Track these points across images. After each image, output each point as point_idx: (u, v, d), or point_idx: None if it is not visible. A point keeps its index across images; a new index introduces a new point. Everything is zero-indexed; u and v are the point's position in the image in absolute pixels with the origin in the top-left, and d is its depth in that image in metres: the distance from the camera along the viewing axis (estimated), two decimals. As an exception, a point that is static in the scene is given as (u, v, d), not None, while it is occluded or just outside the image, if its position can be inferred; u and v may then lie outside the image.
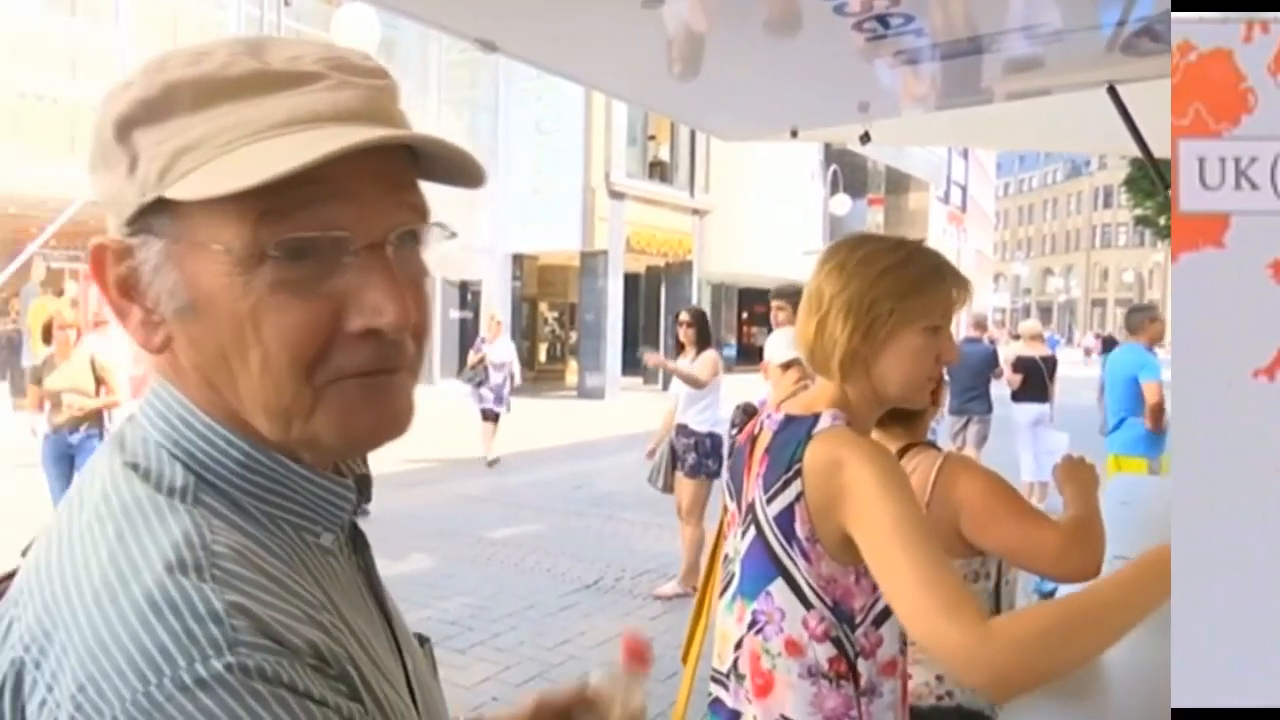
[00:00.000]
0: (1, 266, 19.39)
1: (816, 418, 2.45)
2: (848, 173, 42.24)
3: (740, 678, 2.55)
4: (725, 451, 8.76)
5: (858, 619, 2.46)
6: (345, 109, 1.03)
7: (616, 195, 33.18)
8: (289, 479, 1.08)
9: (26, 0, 19.91)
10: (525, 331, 36.88)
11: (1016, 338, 16.39)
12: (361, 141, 0.96)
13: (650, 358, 9.80)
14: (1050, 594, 4.95)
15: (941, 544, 2.25)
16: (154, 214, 1.02)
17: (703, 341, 9.82)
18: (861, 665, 2.46)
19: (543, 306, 40.93)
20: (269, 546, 1.02)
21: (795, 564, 2.43)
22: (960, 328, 19.27)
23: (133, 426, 1.10)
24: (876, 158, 50.31)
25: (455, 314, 32.01)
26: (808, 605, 2.44)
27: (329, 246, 1.00)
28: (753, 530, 2.52)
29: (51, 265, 20.49)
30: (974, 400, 13.95)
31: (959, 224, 70.90)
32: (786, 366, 5.23)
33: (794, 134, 5.01)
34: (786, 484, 2.42)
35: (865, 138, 4.94)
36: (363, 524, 1.27)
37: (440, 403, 23.59)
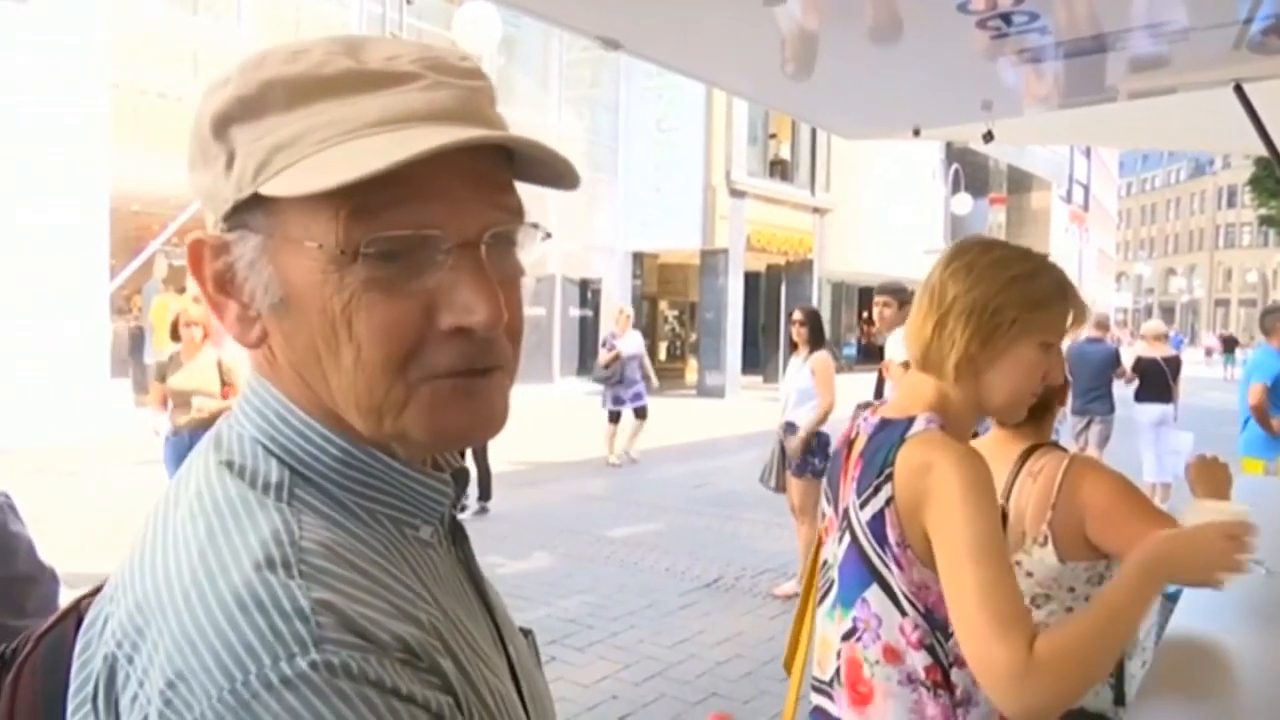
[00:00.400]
0: (124, 264, 19.74)
1: (911, 421, 2.45)
2: (969, 172, 41.79)
3: (843, 686, 2.55)
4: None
5: (950, 628, 2.38)
6: (440, 109, 1.03)
7: (737, 194, 33.08)
8: (386, 474, 1.09)
9: (149, -1, 20.29)
10: (645, 330, 36.86)
11: (1143, 338, 16.16)
12: (453, 141, 0.97)
13: (789, 447, 9.59)
14: (1170, 596, 4.87)
15: (1008, 559, 2.26)
16: (250, 210, 1.04)
17: (815, 341, 9.71)
18: (956, 675, 2.44)
19: (663, 305, 40.95)
20: (365, 540, 1.04)
21: (889, 570, 2.43)
22: (1084, 327, 19.04)
23: (229, 424, 1.12)
24: (998, 157, 49.75)
25: (575, 312, 32.15)
26: (903, 612, 2.44)
27: (421, 245, 1.01)
28: (848, 536, 2.53)
29: (173, 262, 20.67)
30: (1096, 400, 13.74)
31: (1081, 223, 69.89)
32: (909, 364, 5.16)
33: (916, 133, 4.97)
34: (878, 488, 2.42)
35: (988, 136, 4.89)
36: (482, 521, 1.28)
37: (560, 400, 23.71)
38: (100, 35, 17.97)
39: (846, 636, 2.53)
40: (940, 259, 2.61)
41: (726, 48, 3.90)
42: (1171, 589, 4.96)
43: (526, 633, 1.38)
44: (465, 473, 1.26)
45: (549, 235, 1.17)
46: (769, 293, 38.49)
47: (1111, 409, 13.95)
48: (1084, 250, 70.11)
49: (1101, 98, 4.34)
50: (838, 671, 2.57)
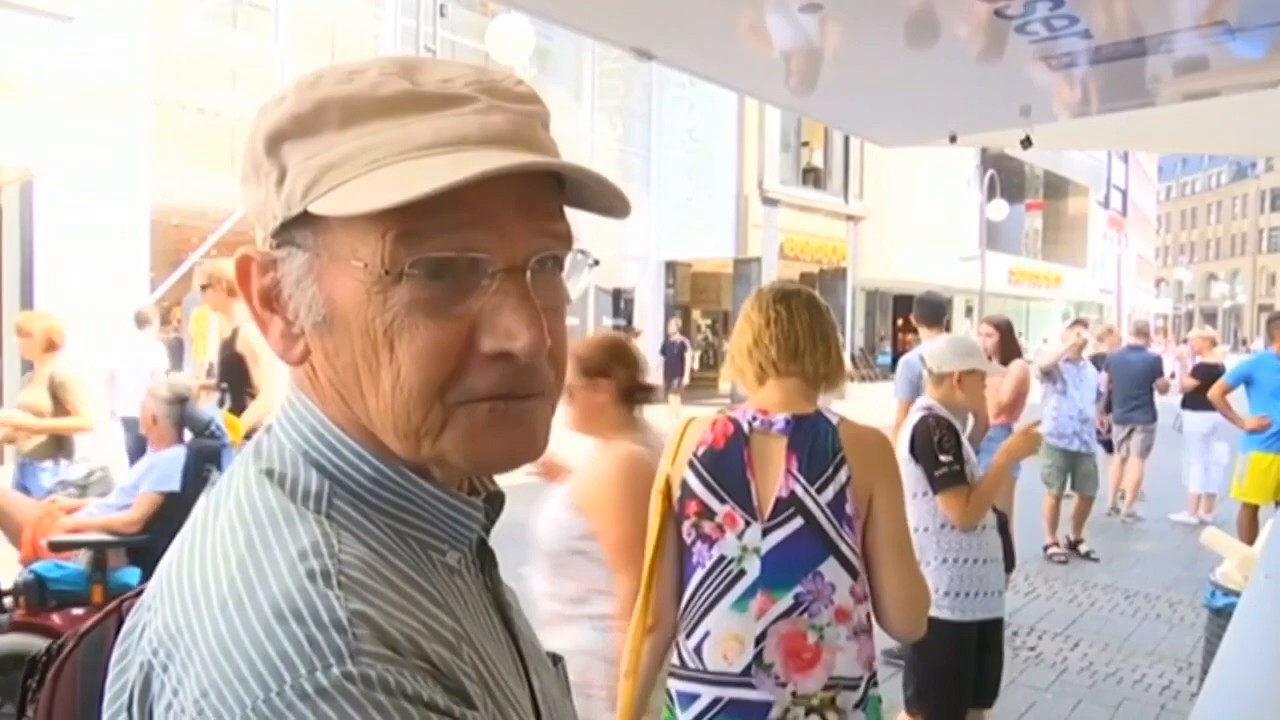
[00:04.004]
0: (164, 276, 19.88)
1: (819, 414, 3.05)
2: (1004, 177, 41.63)
3: (767, 666, 2.87)
4: None
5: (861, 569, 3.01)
6: (493, 133, 1.03)
7: (770, 202, 33.12)
8: (417, 496, 1.09)
9: (189, 15, 20.43)
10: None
11: (1184, 342, 16.11)
12: (503, 167, 0.97)
13: None
14: (1220, 610, 4.83)
15: None
16: (298, 228, 1.04)
17: None
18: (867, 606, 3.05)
19: (696, 314, 40.99)
20: (400, 557, 1.04)
21: (845, 540, 2.92)
22: (1122, 334, 18.90)
23: (269, 435, 1.12)
24: (1034, 162, 49.63)
25: (609, 322, 32.16)
26: (854, 575, 2.94)
27: (467, 268, 1.01)
28: (796, 520, 2.92)
29: (212, 275, 20.99)
30: (1138, 409, 13.56)
31: (1120, 229, 69.63)
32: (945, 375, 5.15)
33: (953, 139, 4.93)
34: (835, 471, 2.92)
35: (1026, 142, 4.82)
36: (511, 534, 1.26)
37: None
38: (143, 52, 18.11)
39: (785, 615, 2.88)
40: (779, 297, 3.31)
41: (760, 56, 3.88)
42: (1221, 603, 4.93)
43: (556, 660, 1.38)
44: (500, 496, 1.25)
45: (596, 262, 1.17)
46: (803, 301, 38.47)
47: (1154, 417, 13.77)
48: (1123, 256, 69.81)
49: (1142, 102, 4.29)
50: (758, 654, 2.88)
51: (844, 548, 2.91)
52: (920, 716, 4.93)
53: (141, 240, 18.46)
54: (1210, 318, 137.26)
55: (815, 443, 2.96)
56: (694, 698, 2.94)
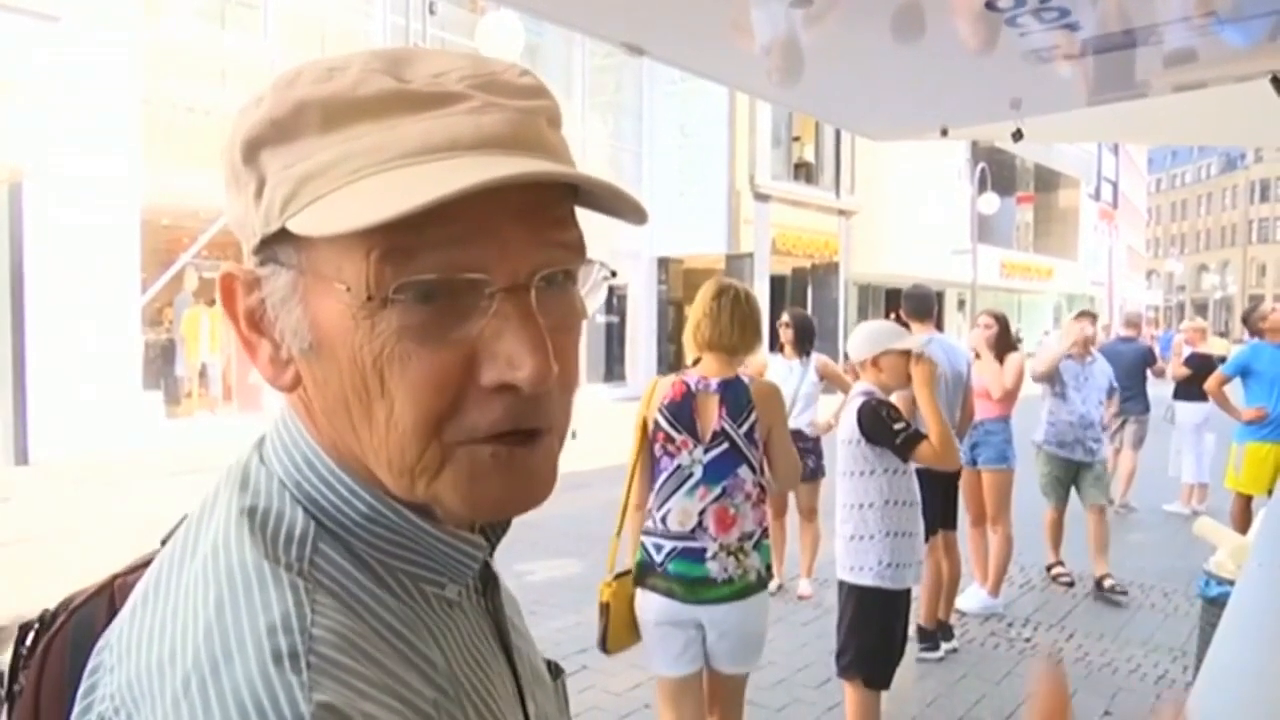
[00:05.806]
0: (155, 277, 19.83)
1: (737, 378, 4.66)
2: (995, 170, 41.54)
3: (705, 529, 4.51)
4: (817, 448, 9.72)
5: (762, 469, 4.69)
6: (489, 135, 0.93)
7: (762, 197, 33.10)
8: (414, 535, 1.01)
9: (178, 13, 20.38)
10: (671, 335, 36.89)
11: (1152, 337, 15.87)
12: (495, 179, 0.86)
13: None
14: (1214, 600, 4.84)
15: None
16: (280, 243, 0.96)
17: (803, 344, 9.66)
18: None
19: (688, 310, 40.95)
20: (384, 604, 0.98)
21: (752, 455, 4.58)
22: (1113, 325, 18.85)
23: (259, 459, 1.05)
24: (1025, 155, 49.58)
25: (602, 319, 32.14)
26: (756, 473, 4.61)
27: (463, 288, 0.91)
28: (725, 444, 4.55)
29: (204, 275, 20.85)
30: (1130, 400, 13.36)
31: (1110, 221, 69.60)
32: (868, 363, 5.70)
33: (944, 133, 4.95)
34: (749, 414, 4.57)
35: (1018, 135, 4.84)
36: (513, 529, 1.19)
37: (588, 407, 23.66)
38: (132, 50, 18.07)
39: (716, 499, 4.53)
40: (715, 294, 4.92)
41: (751, 51, 3.88)
42: (1215, 592, 4.95)
43: (558, 673, 1.33)
44: (504, 522, 1.18)
45: (614, 274, 1.10)
46: (795, 296, 38.39)
47: (1146, 408, 13.71)
48: (1114, 248, 69.82)
49: (1133, 94, 4.30)
50: (700, 522, 4.52)
51: (752, 458, 4.58)
52: (859, 679, 5.49)
53: (132, 240, 18.42)
54: (1201, 309, 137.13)
55: (737, 396, 4.60)
56: (660, 546, 4.59)
